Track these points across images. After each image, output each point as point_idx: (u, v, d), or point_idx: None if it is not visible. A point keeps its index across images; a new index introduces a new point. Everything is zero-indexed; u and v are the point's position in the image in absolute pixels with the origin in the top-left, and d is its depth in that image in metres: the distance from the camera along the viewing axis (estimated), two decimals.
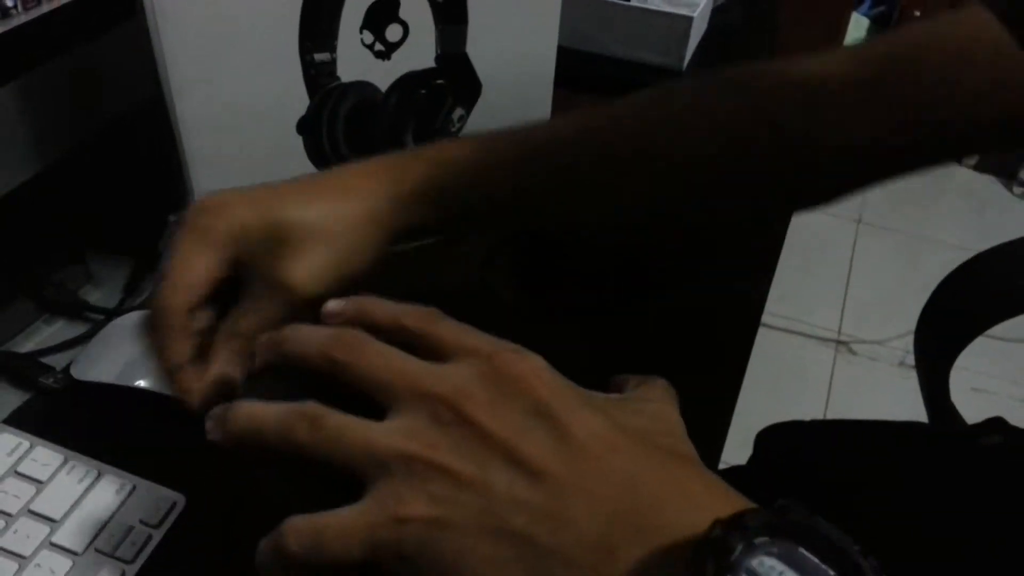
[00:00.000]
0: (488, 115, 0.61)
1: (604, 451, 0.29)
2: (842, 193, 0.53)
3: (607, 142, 0.48)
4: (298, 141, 0.55)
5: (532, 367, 0.31)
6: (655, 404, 0.36)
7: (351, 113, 0.54)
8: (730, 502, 0.29)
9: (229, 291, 0.40)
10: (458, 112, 0.58)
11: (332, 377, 0.32)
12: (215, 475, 0.41)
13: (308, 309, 0.37)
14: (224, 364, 0.38)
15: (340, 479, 0.30)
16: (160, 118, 0.53)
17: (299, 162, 0.56)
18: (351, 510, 0.29)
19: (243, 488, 0.41)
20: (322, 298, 0.36)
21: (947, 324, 0.80)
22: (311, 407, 0.31)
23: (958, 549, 0.59)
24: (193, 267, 0.39)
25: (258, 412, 0.32)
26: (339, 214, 0.41)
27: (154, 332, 0.39)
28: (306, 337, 0.33)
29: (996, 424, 0.73)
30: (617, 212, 0.49)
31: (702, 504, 0.28)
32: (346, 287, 0.40)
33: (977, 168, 2.24)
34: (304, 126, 0.53)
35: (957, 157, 0.61)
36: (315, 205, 0.41)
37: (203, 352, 0.39)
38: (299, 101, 0.53)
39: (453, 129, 0.59)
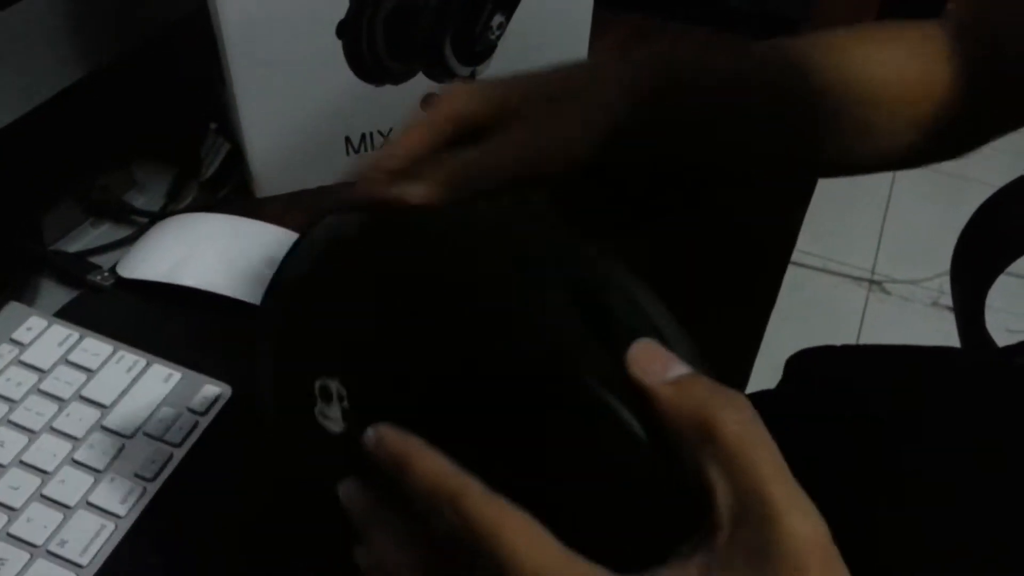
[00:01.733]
0: (527, 27, 0.60)
1: None
2: None
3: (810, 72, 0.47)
4: (338, 47, 0.55)
5: None
6: None
7: (390, 16, 0.54)
8: None
9: None
10: (498, 19, 0.58)
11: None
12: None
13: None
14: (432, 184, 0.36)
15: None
16: (203, 26, 0.54)
17: (339, 67, 0.56)
18: None
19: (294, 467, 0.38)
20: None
21: (983, 250, 0.79)
22: (469, 489, 0.27)
23: (989, 469, 0.60)
24: (456, 103, 0.38)
25: (414, 459, 0.28)
26: (569, 87, 0.41)
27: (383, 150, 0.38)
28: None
29: None
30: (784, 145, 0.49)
31: None
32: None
33: None
34: (344, 29, 0.53)
35: None
36: (545, 80, 0.41)
37: None
38: (339, 4, 0.53)
39: (492, 36, 0.59)
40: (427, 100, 0.60)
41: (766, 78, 0.47)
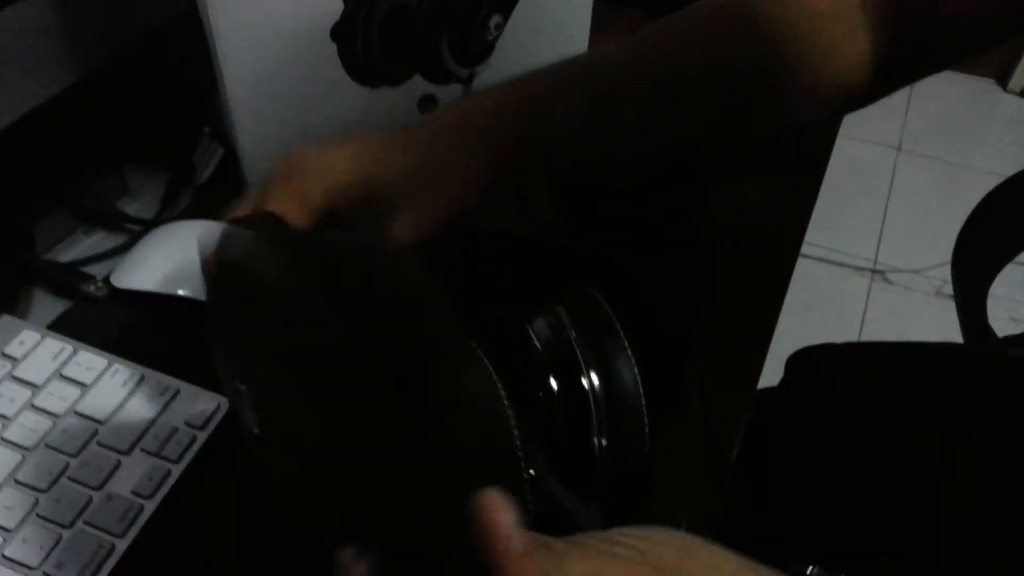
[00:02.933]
0: (525, 27, 0.59)
1: None
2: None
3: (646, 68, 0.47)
4: (333, 49, 0.54)
5: None
6: None
7: (385, 19, 0.53)
8: None
9: None
10: (495, 19, 0.57)
11: None
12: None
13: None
14: None
15: None
16: (195, 29, 0.53)
17: (334, 71, 0.55)
18: None
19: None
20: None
21: (985, 243, 0.78)
22: None
23: (991, 465, 0.59)
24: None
25: None
26: (434, 171, 0.42)
27: None
28: None
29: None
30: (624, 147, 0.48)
31: None
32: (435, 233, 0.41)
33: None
34: (338, 32, 0.52)
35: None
36: (409, 163, 0.41)
37: None
38: (333, 7, 0.52)
39: (490, 37, 0.58)
40: (425, 102, 0.59)
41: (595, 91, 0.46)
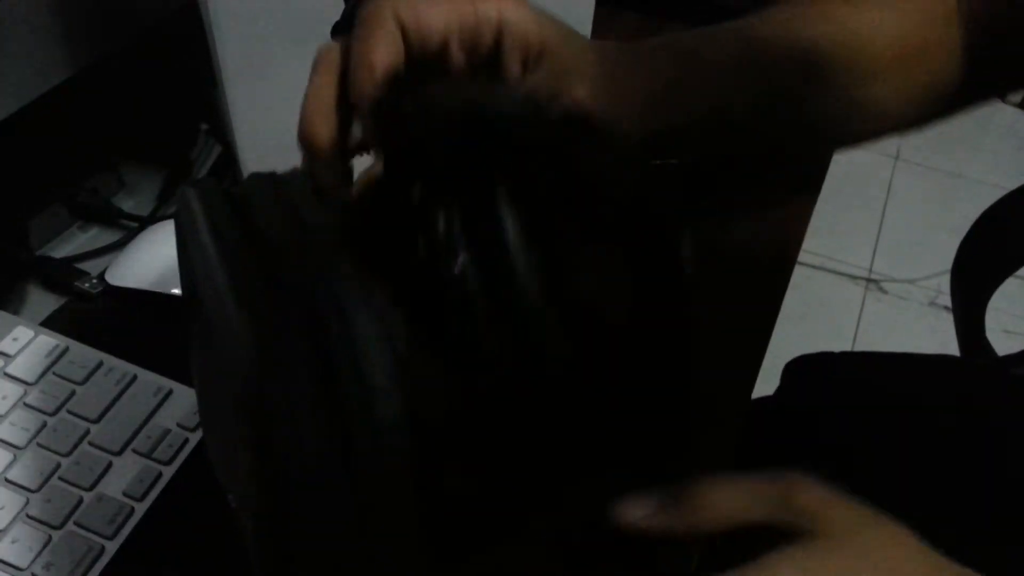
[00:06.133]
0: None
1: None
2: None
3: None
4: None
5: None
6: None
7: None
8: None
9: None
10: None
11: None
12: None
13: None
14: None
15: None
16: (193, 24, 0.52)
17: None
18: None
19: None
20: None
21: (985, 258, 0.78)
22: None
23: (985, 475, 0.59)
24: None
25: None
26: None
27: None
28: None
29: None
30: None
31: None
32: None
33: (1022, 106, 2.18)
34: (339, 30, 0.52)
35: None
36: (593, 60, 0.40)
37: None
38: (334, 4, 0.52)
39: None
40: None
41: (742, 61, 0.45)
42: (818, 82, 0.45)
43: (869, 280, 1.73)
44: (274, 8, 0.51)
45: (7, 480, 0.41)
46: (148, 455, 0.42)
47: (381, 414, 0.24)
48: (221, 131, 0.58)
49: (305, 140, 0.34)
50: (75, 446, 0.42)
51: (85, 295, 0.51)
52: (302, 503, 0.25)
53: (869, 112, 0.48)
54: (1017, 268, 0.78)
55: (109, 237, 0.55)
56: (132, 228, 0.56)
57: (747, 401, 0.52)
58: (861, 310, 1.67)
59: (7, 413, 0.43)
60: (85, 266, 0.53)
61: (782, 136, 0.49)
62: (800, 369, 0.75)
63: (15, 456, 0.41)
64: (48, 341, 0.46)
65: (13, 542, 0.38)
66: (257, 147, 0.56)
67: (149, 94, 0.59)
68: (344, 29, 0.52)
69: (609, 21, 0.72)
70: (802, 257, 1.77)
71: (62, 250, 0.54)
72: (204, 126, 0.59)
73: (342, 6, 0.52)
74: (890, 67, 0.46)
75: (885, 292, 1.70)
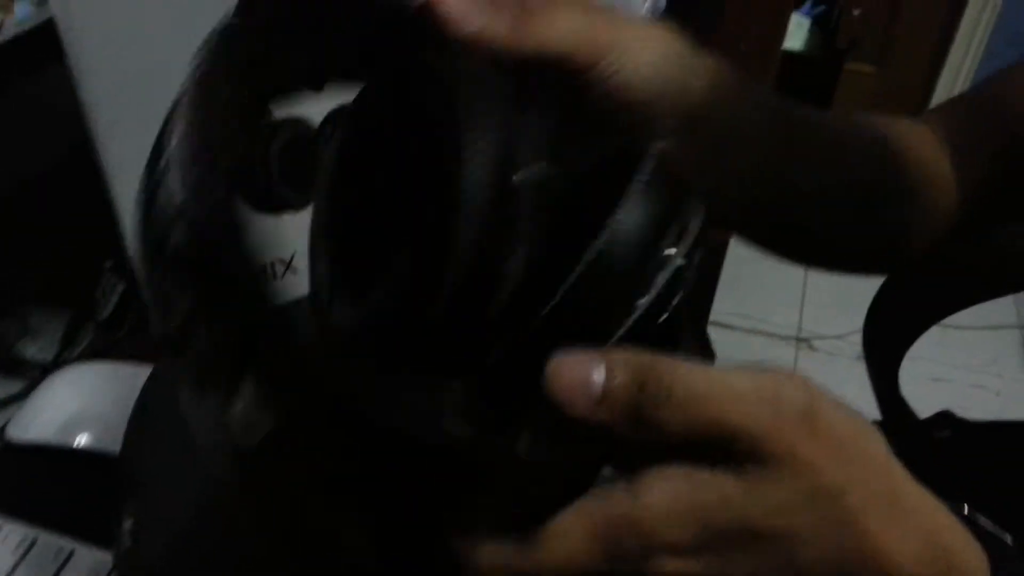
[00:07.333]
0: None
1: None
2: None
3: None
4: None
5: None
6: None
7: (283, 151, 0.53)
8: None
9: None
10: None
11: None
12: None
13: None
14: None
15: None
16: (90, 167, 0.52)
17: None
18: None
19: None
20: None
21: (896, 316, 0.80)
22: None
23: None
24: None
25: None
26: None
27: None
28: None
29: (946, 417, 0.73)
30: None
31: None
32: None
33: None
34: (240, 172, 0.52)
35: None
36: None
37: None
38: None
39: None
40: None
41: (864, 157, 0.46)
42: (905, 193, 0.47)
43: (799, 339, 1.77)
44: None
45: None
46: None
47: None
48: (124, 268, 0.57)
49: None
50: None
51: None
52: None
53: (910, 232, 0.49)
54: (925, 329, 0.80)
55: (12, 387, 0.54)
56: (34, 376, 0.54)
57: None
58: (794, 368, 1.70)
59: None
60: None
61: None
62: None
63: None
64: None
65: None
66: None
67: (48, 237, 0.59)
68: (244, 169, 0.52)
69: None
70: (733, 321, 1.80)
71: None
72: (108, 263, 0.58)
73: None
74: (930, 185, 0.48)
75: (815, 349, 1.74)
